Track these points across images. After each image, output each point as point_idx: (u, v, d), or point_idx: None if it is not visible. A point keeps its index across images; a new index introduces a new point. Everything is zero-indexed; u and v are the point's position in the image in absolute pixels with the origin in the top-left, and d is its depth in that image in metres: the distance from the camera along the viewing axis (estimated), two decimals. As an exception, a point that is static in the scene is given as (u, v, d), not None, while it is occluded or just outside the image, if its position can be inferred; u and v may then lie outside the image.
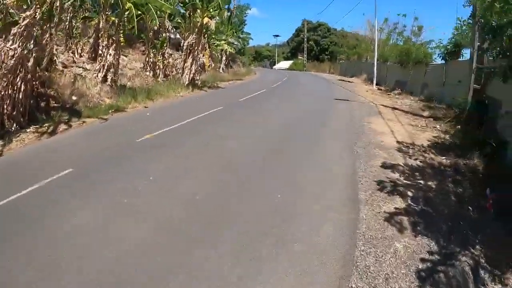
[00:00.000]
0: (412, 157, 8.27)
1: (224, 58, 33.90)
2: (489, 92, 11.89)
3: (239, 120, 11.45)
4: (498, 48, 6.79)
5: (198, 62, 20.83)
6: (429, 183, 6.60)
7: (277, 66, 77.90)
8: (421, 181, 6.62)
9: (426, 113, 14.27)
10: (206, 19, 20.03)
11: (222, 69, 32.96)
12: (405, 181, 6.58)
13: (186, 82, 18.80)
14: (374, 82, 26.24)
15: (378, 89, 24.75)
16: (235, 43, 35.51)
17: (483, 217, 5.38)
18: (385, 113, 13.60)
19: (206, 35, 22.44)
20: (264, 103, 15.31)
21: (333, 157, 7.94)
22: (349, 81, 30.54)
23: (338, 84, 26.85)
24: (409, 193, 5.97)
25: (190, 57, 19.57)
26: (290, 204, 5.30)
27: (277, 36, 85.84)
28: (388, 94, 21.21)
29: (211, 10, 20.95)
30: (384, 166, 7.40)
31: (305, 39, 63.11)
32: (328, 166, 7.20)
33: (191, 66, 19.56)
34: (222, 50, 32.97)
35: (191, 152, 7.79)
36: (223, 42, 30.47)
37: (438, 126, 12.10)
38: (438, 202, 5.74)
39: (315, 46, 66.36)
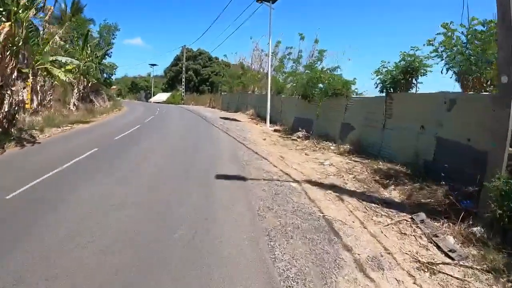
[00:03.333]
0: None
1: (76, 90, 24.19)
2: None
3: None
4: None
5: (11, 99, 12.83)
6: None
7: (153, 98, 67.75)
8: None
9: (396, 193, 6.87)
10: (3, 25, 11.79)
11: (74, 105, 23.39)
12: None
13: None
14: (268, 120, 18.99)
15: (275, 130, 17.44)
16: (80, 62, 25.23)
17: None
18: (348, 232, 4.94)
19: (10, 52, 12.83)
20: (68, 203, 5.75)
21: None
22: (234, 119, 22.78)
23: (221, 126, 17.86)
24: None
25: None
26: None
27: (154, 65, 75.14)
28: (293, 140, 13.83)
29: (20, 11, 13.33)
30: None
31: (184, 68, 54.83)
32: None
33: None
34: (76, 78, 24.00)
35: None
36: (63, 68, 19.70)
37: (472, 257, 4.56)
38: None
39: (195, 76, 58.65)
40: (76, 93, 24.39)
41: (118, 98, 62.02)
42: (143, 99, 75.15)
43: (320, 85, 15.26)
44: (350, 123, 12.54)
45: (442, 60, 8.10)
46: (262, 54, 29.95)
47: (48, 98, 20.30)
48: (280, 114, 20.53)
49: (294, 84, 16.70)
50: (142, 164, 8.39)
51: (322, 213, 5.22)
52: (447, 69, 8.19)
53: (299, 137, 14.56)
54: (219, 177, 7.26)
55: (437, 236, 5.63)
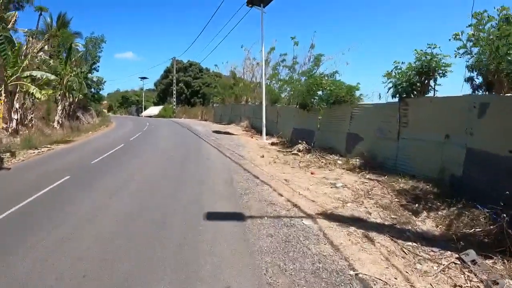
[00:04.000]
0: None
1: (60, 107, 22.79)
2: None
3: None
4: None
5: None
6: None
7: (145, 112, 66.20)
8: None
9: (432, 222, 5.57)
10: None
11: (58, 122, 21.97)
12: None
13: None
14: (264, 133, 17.65)
15: (272, 143, 16.07)
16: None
17: None
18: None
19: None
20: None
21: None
22: (228, 133, 21.38)
23: (214, 143, 16.29)
24: None
25: None
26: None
27: (145, 78, 73.15)
28: (294, 155, 12.47)
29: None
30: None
31: (174, 80, 53.50)
32: None
33: None
34: (60, 94, 22.96)
35: None
36: (41, 83, 18.39)
37: None
38: None
39: (186, 88, 57.27)
40: (60, 110, 22.96)
41: (109, 114, 60.41)
42: (134, 113, 73.65)
43: (320, 92, 14.04)
44: (358, 134, 11.23)
45: (472, 57, 6.81)
46: (254, 63, 28.82)
47: (30, 117, 18.85)
48: (276, 125, 19.23)
49: (292, 93, 15.41)
50: (112, 199, 6.76)
51: (353, 269, 3.79)
52: (479, 69, 6.93)
53: (299, 151, 13.21)
54: (210, 217, 5.61)
55: (497, 283, 4.32)
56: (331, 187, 7.32)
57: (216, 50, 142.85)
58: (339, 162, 10.52)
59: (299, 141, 14.23)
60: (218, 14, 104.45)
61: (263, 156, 11.61)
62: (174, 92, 52.78)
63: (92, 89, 39.04)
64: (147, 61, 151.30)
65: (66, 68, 24.19)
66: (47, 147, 15.35)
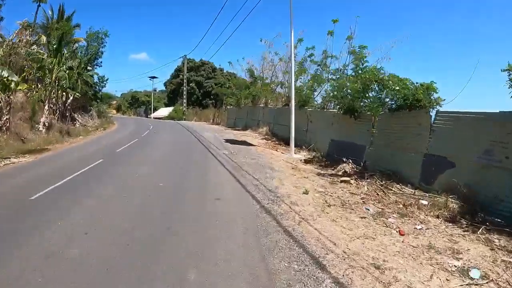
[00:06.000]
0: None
1: (46, 107, 19.42)
2: None
3: None
4: None
5: None
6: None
7: (155, 114, 62.82)
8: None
9: None
10: None
11: (44, 125, 18.53)
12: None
13: None
14: (292, 146, 13.96)
15: (306, 161, 12.36)
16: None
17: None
18: None
19: None
20: None
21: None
22: (245, 142, 17.68)
23: (229, 161, 11.69)
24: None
25: None
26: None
27: (154, 77, 68.33)
28: (345, 183, 8.75)
29: None
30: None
31: (185, 80, 50.12)
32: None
33: None
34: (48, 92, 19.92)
35: None
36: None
37: None
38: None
39: (198, 89, 53.76)
40: (47, 111, 19.57)
41: (114, 114, 56.89)
42: (143, 114, 70.65)
43: (372, 93, 10.43)
44: (445, 156, 7.51)
45: None
46: (276, 58, 24.84)
47: (5, 118, 15.38)
48: (306, 134, 15.58)
49: (335, 93, 11.69)
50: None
51: None
52: None
53: (348, 175, 9.57)
54: None
55: None
56: (466, 285, 3.63)
57: (231, 50, 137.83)
58: (423, 202, 6.80)
59: (343, 159, 10.62)
60: (233, 5, 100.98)
61: (306, 192, 7.54)
62: (184, 92, 49.42)
63: (97, 87, 36.04)
64: (161, 61, 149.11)
65: (55, 62, 20.75)
66: (9, 159, 11.61)
